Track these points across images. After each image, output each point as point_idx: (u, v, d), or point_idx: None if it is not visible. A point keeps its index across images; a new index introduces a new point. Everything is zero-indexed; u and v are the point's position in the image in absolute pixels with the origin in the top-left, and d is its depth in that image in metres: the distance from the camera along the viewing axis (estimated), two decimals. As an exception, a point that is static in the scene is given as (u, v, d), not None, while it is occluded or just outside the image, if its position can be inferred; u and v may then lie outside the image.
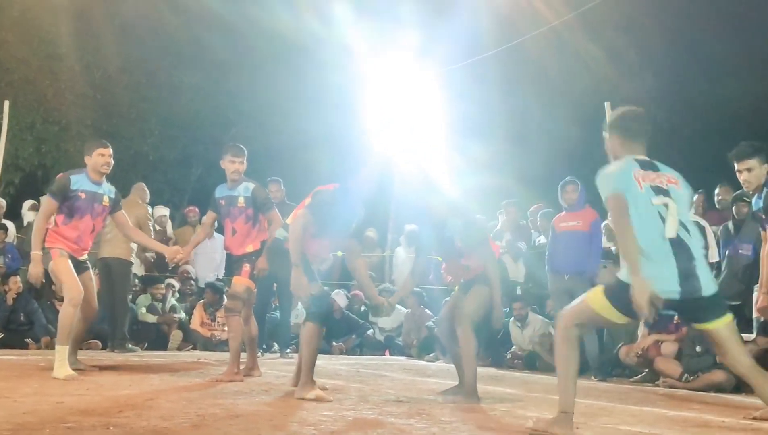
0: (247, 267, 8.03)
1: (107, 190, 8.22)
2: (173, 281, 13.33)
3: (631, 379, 9.79)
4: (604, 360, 10.23)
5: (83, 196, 7.92)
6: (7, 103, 12.96)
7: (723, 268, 10.34)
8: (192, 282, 13.60)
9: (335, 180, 6.71)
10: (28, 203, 14.14)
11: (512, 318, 11.67)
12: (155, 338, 12.32)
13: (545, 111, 20.74)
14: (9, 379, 7.06)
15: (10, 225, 13.20)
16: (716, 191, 11.53)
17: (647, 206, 4.71)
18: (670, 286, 4.57)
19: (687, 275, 4.61)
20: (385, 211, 17.17)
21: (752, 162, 6.79)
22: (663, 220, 4.68)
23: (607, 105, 11.55)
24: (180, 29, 20.38)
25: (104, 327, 12.02)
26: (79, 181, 7.97)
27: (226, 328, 12.12)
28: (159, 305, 12.75)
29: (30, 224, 13.16)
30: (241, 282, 8.03)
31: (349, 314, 13.27)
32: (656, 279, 4.49)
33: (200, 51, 21.32)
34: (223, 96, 22.40)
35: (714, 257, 10.57)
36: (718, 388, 8.58)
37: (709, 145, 18.32)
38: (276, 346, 11.95)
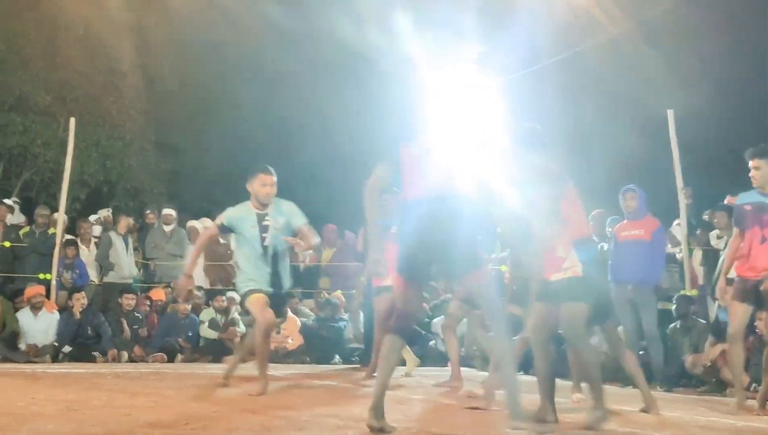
0: None
1: None
2: (234, 294, 13.29)
3: (698, 390, 9.63)
4: (670, 370, 10.09)
5: None
6: (73, 121, 13.14)
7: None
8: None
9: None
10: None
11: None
12: (220, 352, 12.36)
13: (605, 119, 20.56)
14: (78, 392, 7.16)
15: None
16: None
17: None
18: None
19: None
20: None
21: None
22: None
23: (669, 113, 11.38)
24: (239, 43, 20.52)
25: (170, 340, 12.19)
26: None
27: (289, 340, 12.22)
28: (220, 318, 12.79)
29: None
30: None
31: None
32: None
33: (260, 64, 21.45)
34: (284, 108, 22.50)
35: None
36: (788, 398, 8.43)
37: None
38: (337, 358, 11.95)
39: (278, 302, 7.89)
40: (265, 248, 7.74)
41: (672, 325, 10.49)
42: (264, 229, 7.78)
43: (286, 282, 8.01)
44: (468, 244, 5.28)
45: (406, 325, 5.44)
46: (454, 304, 9.36)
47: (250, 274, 7.71)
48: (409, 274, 5.34)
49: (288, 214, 7.92)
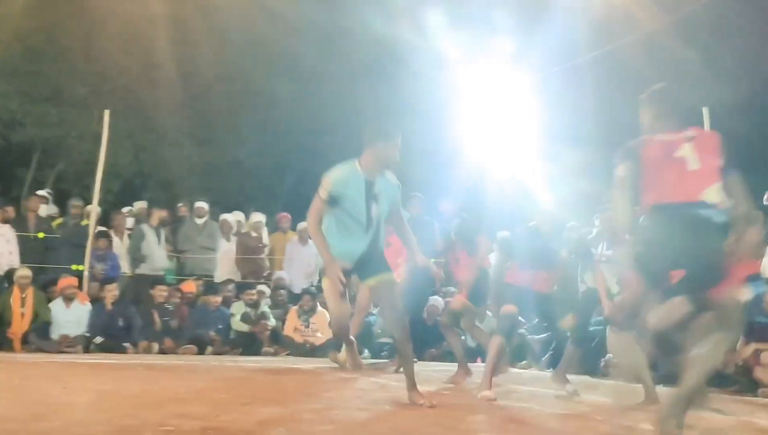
0: None
1: None
2: (264, 288, 13.41)
3: (730, 389, 9.55)
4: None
5: None
6: (107, 113, 13.21)
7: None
8: (282, 290, 13.56)
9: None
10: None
11: (610, 325, 11.45)
12: (250, 344, 12.43)
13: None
14: (109, 382, 7.20)
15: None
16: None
17: None
18: None
19: None
20: (478, 218, 17.10)
21: None
22: None
23: (704, 110, 11.30)
24: (276, 39, 20.55)
25: (200, 333, 12.25)
26: None
27: (318, 334, 12.23)
28: (251, 311, 12.82)
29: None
30: None
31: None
32: None
33: (295, 61, 21.49)
34: (317, 105, 22.50)
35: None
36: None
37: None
38: (367, 352, 11.95)
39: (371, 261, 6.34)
40: (369, 221, 6.16)
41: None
42: (373, 198, 6.15)
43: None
44: (716, 255, 4.89)
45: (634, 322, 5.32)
46: (456, 300, 9.40)
47: (337, 247, 6.16)
48: (649, 277, 5.12)
49: (396, 190, 6.35)
